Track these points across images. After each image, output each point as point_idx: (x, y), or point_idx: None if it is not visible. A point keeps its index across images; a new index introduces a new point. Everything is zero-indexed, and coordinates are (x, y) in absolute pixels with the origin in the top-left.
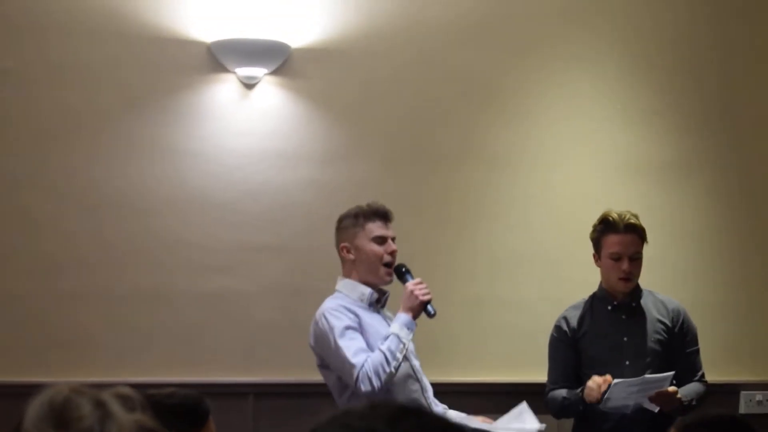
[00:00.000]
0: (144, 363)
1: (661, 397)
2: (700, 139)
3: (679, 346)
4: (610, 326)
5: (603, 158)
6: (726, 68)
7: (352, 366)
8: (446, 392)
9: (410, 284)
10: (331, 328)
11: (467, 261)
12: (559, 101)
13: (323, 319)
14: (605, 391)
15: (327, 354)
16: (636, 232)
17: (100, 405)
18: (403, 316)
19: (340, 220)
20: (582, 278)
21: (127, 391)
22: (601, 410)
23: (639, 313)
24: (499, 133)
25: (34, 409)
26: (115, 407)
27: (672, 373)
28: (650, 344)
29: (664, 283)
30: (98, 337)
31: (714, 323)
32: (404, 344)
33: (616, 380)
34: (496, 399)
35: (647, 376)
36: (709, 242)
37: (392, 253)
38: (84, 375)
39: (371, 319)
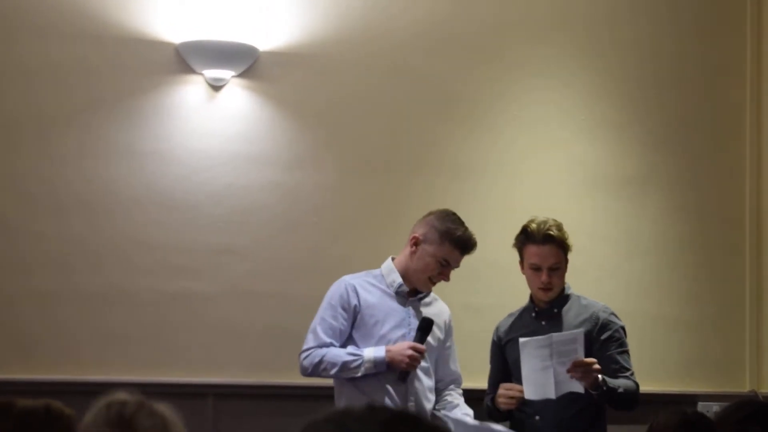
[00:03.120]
0: (104, 362)
1: (579, 367)
2: (661, 154)
3: (600, 348)
4: (530, 332)
5: (565, 170)
6: (686, 84)
7: (314, 338)
8: None
9: (413, 347)
10: (330, 296)
11: None
12: (523, 112)
13: (336, 284)
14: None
15: (319, 307)
16: (554, 243)
17: (163, 421)
18: (383, 357)
19: (436, 218)
20: None
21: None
22: (525, 411)
23: (560, 320)
24: (464, 143)
25: (99, 414)
26: (175, 423)
27: (582, 330)
28: None
29: (623, 294)
30: (59, 335)
31: (672, 335)
32: (360, 373)
33: (522, 339)
34: None
35: (553, 334)
36: (668, 256)
37: (442, 279)
38: (45, 373)
39: (377, 304)
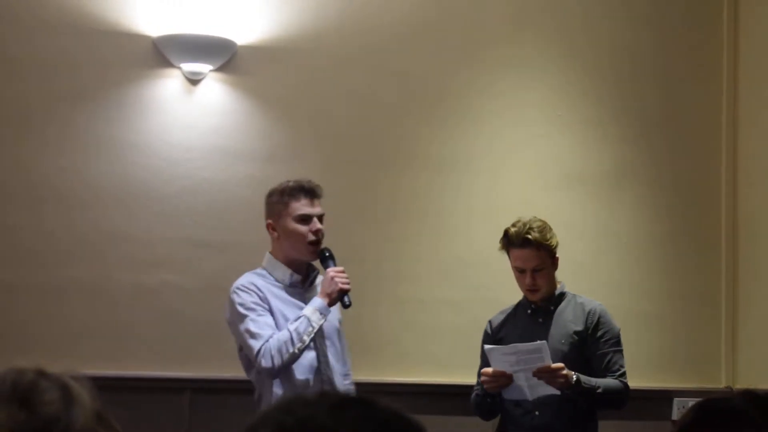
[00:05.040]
0: (81, 356)
1: (543, 373)
2: (638, 150)
3: (592, 345)
4: (526, 329)
5: (544, 166)
6: (662, 80)
7: (256, 339)
8: (385, 392)
9: (332, 270)
10: (242, 303)
11: (408, 263)
12: (503, 107)
13: (235, 294)
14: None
15: (236, 328)
16: (533, 246)
17: (65, 391)
18: (318, 301)
19: (268, 195)
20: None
21: (82, 376)
22: (505, 414)
23: (556, 317)
24: (441, 138)
25: None
26: (78, 392)
27: (543, 342)
28: (559, 346)
29: (599, 290)
30: (37, 328)
31: (647, 331)
32: (313, 327)
33: (488, 347)
34: (435, 399)
35: (518, 344)
36: (644, 252)
37: (317, 232)
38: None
39: (282, 302)
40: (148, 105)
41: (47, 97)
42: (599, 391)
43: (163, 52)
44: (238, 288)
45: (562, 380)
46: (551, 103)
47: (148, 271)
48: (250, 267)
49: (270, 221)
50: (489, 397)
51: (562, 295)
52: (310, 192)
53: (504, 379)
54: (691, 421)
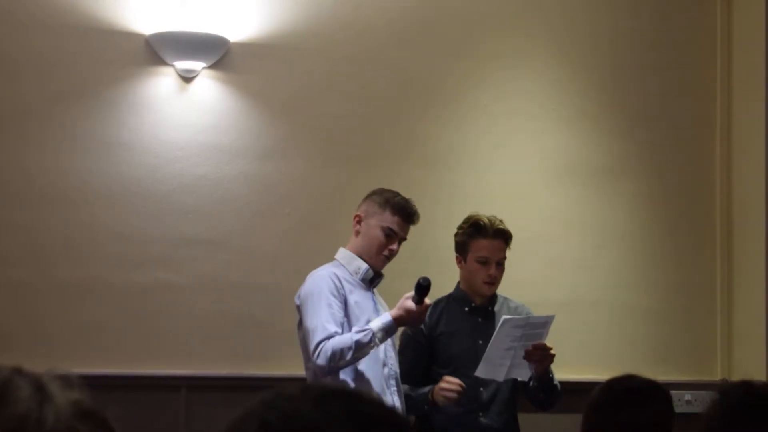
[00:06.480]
0: (77, 354)
1: (539, 351)
2: (633, 143)
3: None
4: (466, 328)
5: (536, 160)
6: (657, 74)
7: (320, 333)
8: None
9: (423, 307)
10: (320, 290)
11: (403, 258)
12: (496, 102)
13: (315, 277)
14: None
15: (305, 312)
16: (503, 238)
17: (39, 388)
18: (390, 320)
19: (374, 192)
20: (510, 276)
21: (65, 371)
22: (447, 415)
23: (493, 318)
24: (435, 133)
25: None
26: (54, 390)
27: (553, 315)
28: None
29: (595, 284)
30: (31, 326)
31: (643, 324)
32: (375, 344)
33: (505, 317)
34: None
35: (531, 316)
36: (639, 245)
37: (390, 251)
38: (16, 364)
39: (360, 297)
40: (141, 103)
41: (40, 96)
42: (555, 383)
43: (156, 50)
44: (319, 273)
45: (550, 360)
46: (544, 97)
47: (142, 269)
48: (246, 263)
49: (360, 214)
50: (427, 404)
51: (496, 296)
52: (409, 216)
53: (460, 391)
54: (599, 401)
